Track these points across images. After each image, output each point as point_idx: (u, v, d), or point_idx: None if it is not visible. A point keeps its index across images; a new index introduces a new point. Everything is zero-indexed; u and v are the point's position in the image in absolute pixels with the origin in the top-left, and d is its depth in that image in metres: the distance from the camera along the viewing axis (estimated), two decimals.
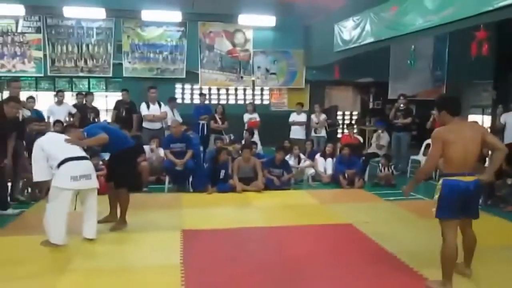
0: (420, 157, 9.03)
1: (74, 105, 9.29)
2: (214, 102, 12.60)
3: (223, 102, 13.08)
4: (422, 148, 9.28)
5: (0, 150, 5.48)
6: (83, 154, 4.65)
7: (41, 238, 4.51)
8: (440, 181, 3.54)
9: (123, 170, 5.12)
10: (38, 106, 8.27)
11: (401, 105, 9.16)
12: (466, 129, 3.53)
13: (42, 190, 6.18)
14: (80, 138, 4.86)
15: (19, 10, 11.67)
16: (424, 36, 8.09)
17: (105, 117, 10.90)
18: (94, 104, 9.75)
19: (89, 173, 4.54)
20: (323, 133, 10.28)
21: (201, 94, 10.58)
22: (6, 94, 6.76)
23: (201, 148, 9.03)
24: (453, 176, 3.47)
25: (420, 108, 10.75)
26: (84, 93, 10.14)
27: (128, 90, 9.71)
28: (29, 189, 6.60)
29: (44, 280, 3.72)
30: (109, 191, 5.34)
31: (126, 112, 9.17)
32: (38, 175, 4.53)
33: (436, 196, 3.54)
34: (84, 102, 9.38)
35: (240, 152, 7.64)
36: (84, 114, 9.00)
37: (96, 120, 9.29)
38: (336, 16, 10.40)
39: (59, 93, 9.12)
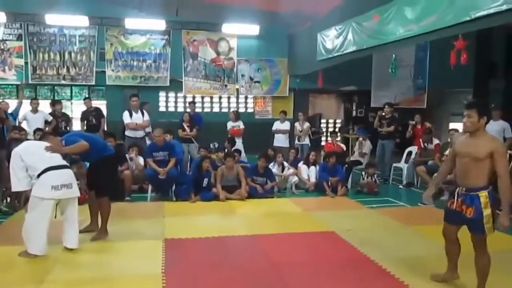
0: (402, 164, 9.14)
1: (51, 113, 9.17)
2: (198, 110, 12.55)
3: (207, 110, 13.11)
4: (404, 156, 9.40)
5: None
6: (64, 162, 4.56)
7: (19, 249, 4.41)
8: (484, 193, 3.40)
9: (103, 179, 5.04)
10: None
11: (384, 113, 9.27)
12: None
13: (20, 200, 6.09)
14: (59, 146, 4.78)
15: (0, 17, 11.53)
16: (405, 45, 8.21)
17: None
18: (76, 113, 9.71)
19: (70, 182, 4.45)
20: (306, 141, 10.33)
21: (191, 103, 10.54)
22: None
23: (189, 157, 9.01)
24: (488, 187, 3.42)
25: (402, 116, 10.89)
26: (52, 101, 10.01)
27: (90, 98, 9.85)
28: (8, 199, 6.47)
29: None
30: (90, 200, 5.27)
31: (95, 119, 9.21)
32: (16, 185, 4.41)
33: (489, 211, 3.37)
34: (53, 110, 9.27)
35: (223, 160, 7.61)
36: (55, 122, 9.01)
37: (67, 128, 9.26)
38: (319, 25, 10.50)
39: (33, 101, 9.00)
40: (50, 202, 4.33)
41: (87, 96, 10.83)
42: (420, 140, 8.72)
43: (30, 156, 4.38)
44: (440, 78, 11.52)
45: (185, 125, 9.16)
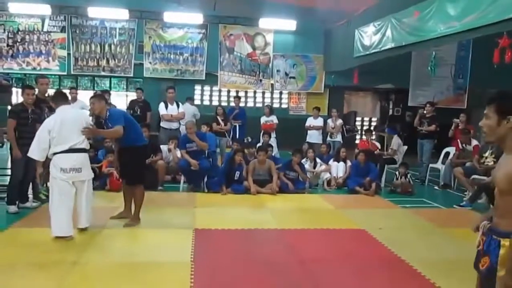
0: (439, 165, 8.90)
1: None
2: (232, 104, 12.64)
3: (241, 104, 13.14)
4: (441, 157, 9.15)
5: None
6: (81, 146, 4.64)
7: None
8: (509, 242, 2.05)
9: (136, 168, 5.16)
10: None
11: (425, 112, 9.05)
12: None
13: (40, 177, 6.20)
14: (102, 112, 4.95)
15: (46, 9, 12.00)
16: (446, 43, 7.98)
17: None
18: (114, 103, 9.85)
19: (80, 166, 4.59)
20: (338, 138, 10.22)
21: (235, 97, 10.70)
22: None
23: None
24: None
25: (441, 116, 10.60)
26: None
27: (142, 89, 9.84)
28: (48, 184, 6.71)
29: (55, 271, 3.78)
30: (123, 187, 5.41)
31: (140, 111, 9.28)
32: (34, 151, 4.57)
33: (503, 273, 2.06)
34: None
35: (255, 154, 7.63)
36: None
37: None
38: (357, 21, 10.35)
39: (72, 90, 9.18)
40: (64, 183, 4.51)
41: (124, 87, 11.07)
42: (458, 141, 8.46)
43: (57, 134, 4.49)
44: (482, 77, 11.09)
45: (219, 119, 9.25)
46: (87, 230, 4.83)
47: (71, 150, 4.54)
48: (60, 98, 4.86)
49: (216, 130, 9.07)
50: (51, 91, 6.73)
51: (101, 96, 5.40)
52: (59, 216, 4.49)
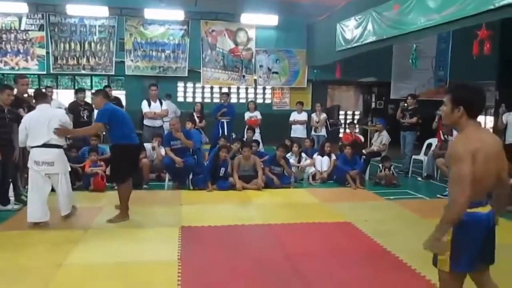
0: (422, 156, 9.02)
1: (74, 102, 9.04)
2: (216, 100, 12.60)
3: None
4: (424, 148, 9.27)
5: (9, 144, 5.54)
6: (52, 142, 4.93)
7: (39, 233, 4.59)
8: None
9: (116, 165, 5.34)
10: None
11: (407, 104, 9.14)
12: (488, 138, 2.47)
13: (22, 178, 6.26)
14: (99, 106, 5.20)
15: (22, 7, 11.76)
16: (426, 35, 8.06)
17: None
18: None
19: (52, 160, 4.94)
20: (323, 132, 10.28)
21: (223, 93, 10.64)
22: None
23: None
24: (472, 207, 2.37)
25: (423, 108, 10.73)
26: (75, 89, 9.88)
27: (110, 86, 9.75)
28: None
29: (40, 273, 3.72)
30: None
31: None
32: (19, 140, 5.06)
33: (449, 238, 2.39)
34: (75, 99, 9.09)
35: (240, 150, 7.62)
36: (78, 111, 8.56)
37: (90, 117, 9.05)
38: (338, 15, 10.38)
39: (48, 89, 8.95)
40: (37, 174, 4.92)
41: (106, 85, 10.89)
42: (440, 132, 8.58)
43: (32, 128, 4.90)
44: (462, 69, 11.24)
45: (195, 115, 9.20)
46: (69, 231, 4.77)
47: (44, 145, 4.88)
48: (40, 97, 5.23)
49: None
50: (30, 91, 6.63)
51: (97, 92, 5.71)
52: (32, 203, 4.90)
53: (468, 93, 2.47)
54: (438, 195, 7.02)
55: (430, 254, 3.96)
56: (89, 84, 12.49)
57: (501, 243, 2.61)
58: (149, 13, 12.25)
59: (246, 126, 9.61)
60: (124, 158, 5.25)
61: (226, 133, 9.42)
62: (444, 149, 8.28)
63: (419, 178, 8.65)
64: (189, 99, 13.11)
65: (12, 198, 5.87)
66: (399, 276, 3.89)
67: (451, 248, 2.41)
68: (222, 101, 10.18)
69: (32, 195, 4.91)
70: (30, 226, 4.87)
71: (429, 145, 9.15)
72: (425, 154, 9.02)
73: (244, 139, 8.82)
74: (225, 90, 12.97)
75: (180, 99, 13.02)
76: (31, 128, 4.88)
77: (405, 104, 9.21)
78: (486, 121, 12.38)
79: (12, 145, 5.57)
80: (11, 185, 5.88)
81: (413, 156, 9.05)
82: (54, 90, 11.37)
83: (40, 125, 4.87)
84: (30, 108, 5.72)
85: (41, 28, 12.07)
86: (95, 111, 5.94)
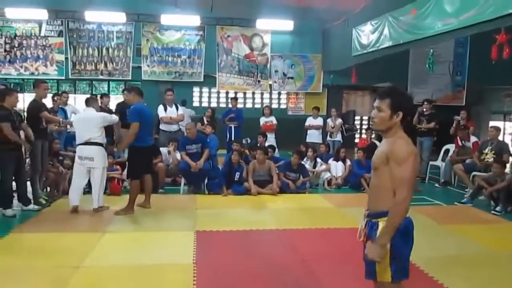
0: (439, 162, 8.91)
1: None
2: (230, 105, 12.62)
3: (240, 105, 13.13)
4: (441, 154, 9.16)
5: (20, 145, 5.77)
6: (94, 140, 5.70)
7: (58, 236, 4.65)
8: (383, 223, 2.31)
9: (130, 163, 5.97)
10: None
11: (424, 110, 9.05)
12: None
13: (59, 189, 6.59)
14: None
15: (43, 14, 12.00)
16: (443, 40, 7.99)
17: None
18: (112, 107, 9.72)
19: (92, 156, 5.68)
20: (338, 137, 10.22)
21: (232, 98, 10.65)
22: (32, 94, 6.79)
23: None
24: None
25: (440, 114, 10.61)
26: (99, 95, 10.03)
27: (128, 90, 9.70)
28: (48, 188, 6.71)
29: (57, 275, 3.77)
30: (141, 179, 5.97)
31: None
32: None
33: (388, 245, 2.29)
34: (100, 104, 9.19)
35: (250, 152, 7.64)
36: None
37: None
38: (354, 20, 10.36)
39: (64, 94, 9.03)
40: (80, 166, 5.74)
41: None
42: (458, 137, 8.46)
43: (76, 129, 5.88)
44: (480, 74, 11.14)
45: (205, 120, 9.26)
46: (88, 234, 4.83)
47: (86, 143, 5.66)
48: (90, 102, 6.07)
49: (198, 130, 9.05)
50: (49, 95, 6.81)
51: (132, 89, 6.36)
52: (72, 190, 5.79)
53: (406, 99, 2.43)
54: (455, 202, 6.93)
55: (447, 261, 3.87)
56: (106, 89, 12.65)
57: None
58: (166, 19, 12.38)
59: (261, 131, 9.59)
60: (138, 158, 5.80)
61: (233, 138, 9.40)
62: (461, 154, 8.18)
63: (436, 184, 8.54)
64: (205, 104, 13.18)
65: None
66: (414, 282, 3.83)
67: (393, 255, 2.33)
68: (231, 106, 10.21)
69: (73, 184, 5.79)
70: (72, 211, 5.65)
71: (447, 151, 9.03)
72: (443, 160, 8.91)
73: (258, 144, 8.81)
74: (240, 95, 13.01)
75: (196, 104, 13.09)
76: (77, 128, 5.83)
77: (422, 109, 9.12)
78: (506, 126, 12.18)
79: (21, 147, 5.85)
80: (30, 188, 6.00)
81: (430, 162, 8.95)
82: (72, 95, 11.60)
83: (83, 125, 5.73)
84: (49, 111, 6.09)
85: (60, 34, 12.30)
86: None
